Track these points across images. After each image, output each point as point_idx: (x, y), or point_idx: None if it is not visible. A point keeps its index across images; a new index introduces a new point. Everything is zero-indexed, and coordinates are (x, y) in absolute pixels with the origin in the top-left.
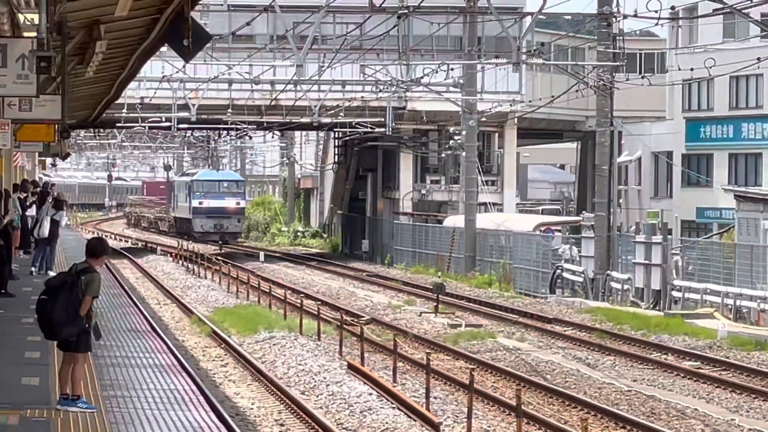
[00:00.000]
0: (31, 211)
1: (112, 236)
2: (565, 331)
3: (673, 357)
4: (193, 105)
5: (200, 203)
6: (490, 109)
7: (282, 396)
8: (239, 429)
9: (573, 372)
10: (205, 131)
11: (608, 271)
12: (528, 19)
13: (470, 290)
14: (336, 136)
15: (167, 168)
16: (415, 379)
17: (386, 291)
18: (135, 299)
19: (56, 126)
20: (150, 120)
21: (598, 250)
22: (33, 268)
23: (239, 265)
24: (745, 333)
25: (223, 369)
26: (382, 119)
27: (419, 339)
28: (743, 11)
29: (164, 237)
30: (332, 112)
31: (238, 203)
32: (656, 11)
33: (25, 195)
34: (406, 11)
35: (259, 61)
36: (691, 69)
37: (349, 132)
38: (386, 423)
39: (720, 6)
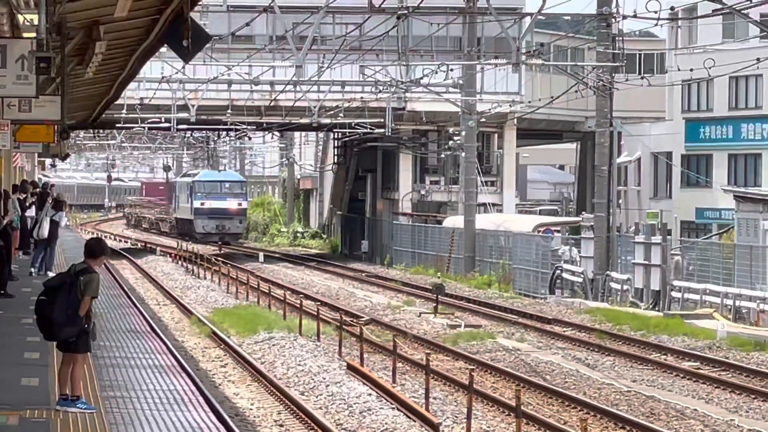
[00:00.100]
0: (31, 212)
1: (112, 237)
2: (564, 331)
3: (673, 357)
4: (193, 106)
5: (202, 204)
6: (490, 109)
7: (281, 396)
8: (239, 429)
9: (572, 372)
10: (204, 132)
11: (608, 272)
12: (527, 20)
13: (470, 291)
14: (335, 136)
15: (166, 169)
16: (415, 380)
17: (386, 291)
18: (134, 300)
19: (56, 127)
20: (149, 121)
21: (598, 251)
22: (32, 269)
23: (239, 265)
24: (745, 333)
25: (223, 369)
26: (382, 120)
27: (419, 339)
28: (743, 12)
29: (164, 238)
30: (332, 112)
31: (240, 204)
32: (656, 12)
33: (24, 196)
34: (406, 12)
35: (259, 61)
36: (691, 69)
37: (349, 132)
38: (386, 423)
39: (719, 6)
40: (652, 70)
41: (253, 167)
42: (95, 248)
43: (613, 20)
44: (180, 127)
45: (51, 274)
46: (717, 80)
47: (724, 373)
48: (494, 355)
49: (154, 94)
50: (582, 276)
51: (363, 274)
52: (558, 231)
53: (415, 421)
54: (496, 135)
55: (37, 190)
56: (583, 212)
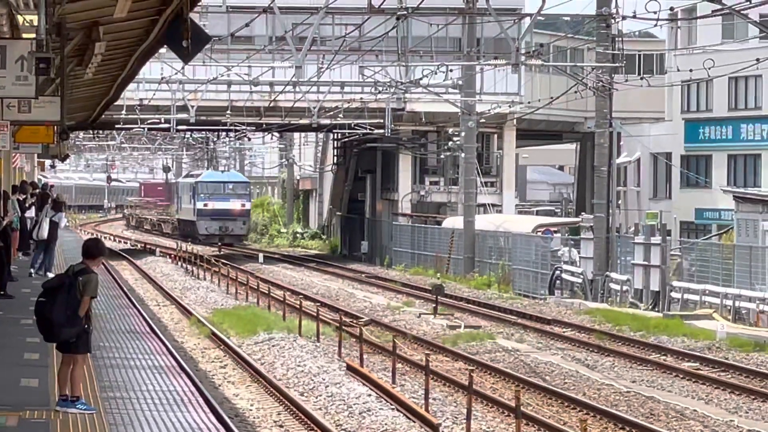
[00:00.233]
0: (30, 213)
1: (111, 237)
2: (564, 332)
3: (672, 358)
4: (192, 106)
5: (205, 205)
6: (489, 110)
7: (281, 397)
8: (238, 430)
9: (572, 373)
10: (204, 133)
11: (607, 273)
12: (527, 20)
13: (469, 291)
14: (335, 137)
15: (166, 169)
16: (414, 381)
17: (385, 292)
18: (134, 300)
19: (55, 127)
20: (149, 121)
21: (597, 252)
22: (32, 270)
23: (238, 266)
24: (744, 334)
25: (222, 370)
26: (381, 120)
27: (418, 340)
28: (742, 12)
29: (164, 238)
30: (331, 113)
31: (243, 205)
32: (655, 12)
33: (24, 197)
34: (405, 12)
35: (258, 62)
36: (690, 70)
37: (348, 133)
38: (385, 424)
39: (719, 7)
40: (651, 70)
41: (252, 168)
42: (93, 249)
43: (613, 21)
44: (179, 127)
45: (50, 275)
46: (716, 81)
47: (723, 374)
48: (494, 356)
49: (154, 94)
50: (581, 277)
51: (362, 275)
52: (557, 232)
53: (414, 421)
54: (495, 135)
55: (37, 191)
56: (583, 213)
